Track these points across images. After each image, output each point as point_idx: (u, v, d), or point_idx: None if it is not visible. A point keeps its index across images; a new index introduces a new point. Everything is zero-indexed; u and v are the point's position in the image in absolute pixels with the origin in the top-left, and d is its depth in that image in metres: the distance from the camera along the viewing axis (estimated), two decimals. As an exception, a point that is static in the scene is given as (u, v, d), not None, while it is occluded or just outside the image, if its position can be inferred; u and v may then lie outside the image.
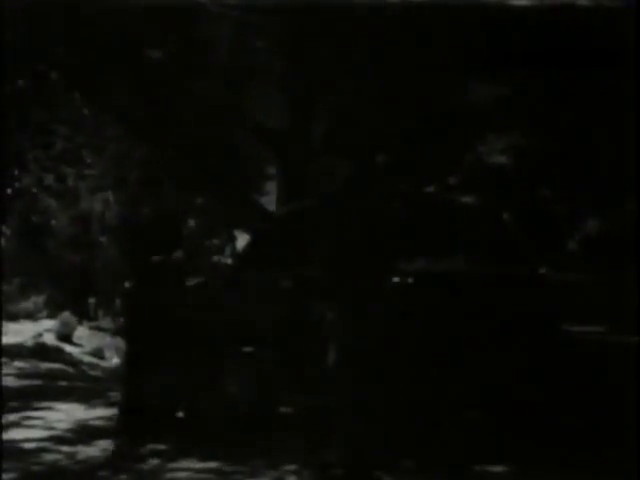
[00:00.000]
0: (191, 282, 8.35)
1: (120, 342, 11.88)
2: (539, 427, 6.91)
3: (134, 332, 7.69)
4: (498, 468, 6.77)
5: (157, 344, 7.60)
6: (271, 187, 12.28)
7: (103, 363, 12.99)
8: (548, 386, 6.95)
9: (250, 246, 8.78)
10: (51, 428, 8.45)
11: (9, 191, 14.58)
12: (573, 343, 6.99)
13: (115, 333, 14.18)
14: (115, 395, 8.75)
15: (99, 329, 15.01)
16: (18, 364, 12.33)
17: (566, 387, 6.91)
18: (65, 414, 9.12)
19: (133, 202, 7.75)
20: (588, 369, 6.89)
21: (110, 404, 9.07)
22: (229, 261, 14.36)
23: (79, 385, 11.31)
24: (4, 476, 6.70)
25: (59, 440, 7.99)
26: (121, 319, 10.72)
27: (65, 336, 14.75)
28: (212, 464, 7.08)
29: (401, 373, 6.81)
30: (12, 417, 8.63)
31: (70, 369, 12.84)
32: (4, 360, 11.76)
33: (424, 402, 6.86)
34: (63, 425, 8.59)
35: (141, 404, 7.65)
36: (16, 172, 14.51)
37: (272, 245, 8.26)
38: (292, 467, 6.94)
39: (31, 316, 16.43)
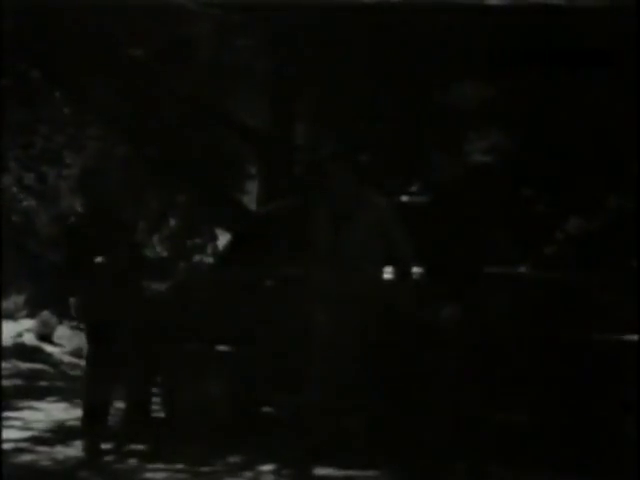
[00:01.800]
0: (170, 281, 8.30)
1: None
2: (536, 427, 6.90)
3: (95, 332, 7.56)
4: (496, 468, 6.75)
5: (129, 344, 7.52)
6: (252, 186, 12.27)
7: (83, 363, 12.88)
8: (546, 386, 6.92)
9: (231, 245, 8.75)
10: (30, 428, 8.40)
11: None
12: (575, 344, 6.94)
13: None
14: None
15: (79, 329, 14.88)
16: (-3, 364, 12.24)
17: (565, 387, 6.88)
18: (45, 414, 9.08)
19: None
20: (586, 369, 6.85)
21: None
22: (210, 260, 14.34)
23: (59, 385, 11.25)
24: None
25: (38, 440, 7.94)
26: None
27: (45, 336, 14.66)
28: (189, 464, 7.05)
29: None
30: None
31: (50, 369, 12.77)
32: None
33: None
34: (42, 425, 8.55)
35: (107, 405, 7.57)
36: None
37: (253, 244, 8.24)
38: (270, 467, 6.93)
39: (11, 316, 16.32)
